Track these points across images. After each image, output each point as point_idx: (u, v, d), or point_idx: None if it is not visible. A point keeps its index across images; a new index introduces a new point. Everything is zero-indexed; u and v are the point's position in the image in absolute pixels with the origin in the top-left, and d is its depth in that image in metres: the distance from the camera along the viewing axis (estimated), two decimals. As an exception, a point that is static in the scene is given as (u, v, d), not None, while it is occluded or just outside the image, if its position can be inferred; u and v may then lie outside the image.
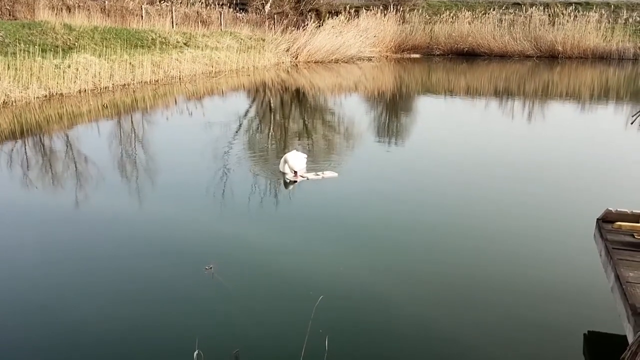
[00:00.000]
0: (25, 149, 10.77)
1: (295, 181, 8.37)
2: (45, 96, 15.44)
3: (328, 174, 8.69)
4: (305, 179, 8.47)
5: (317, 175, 8.62)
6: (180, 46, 23.96)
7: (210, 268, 5.36)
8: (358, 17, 34.36)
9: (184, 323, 4.53)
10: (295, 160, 8.73)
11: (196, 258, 5.65)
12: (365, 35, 32.56)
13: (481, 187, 8.41)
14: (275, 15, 34.77)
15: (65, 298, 4.97)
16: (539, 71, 28.12)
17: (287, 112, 16.23)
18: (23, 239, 6.33)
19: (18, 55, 15.74)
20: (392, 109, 17.45)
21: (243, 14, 34.79)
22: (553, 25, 33.74)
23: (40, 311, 4.72)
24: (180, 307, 4.80)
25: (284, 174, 8.61)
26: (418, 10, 38.28)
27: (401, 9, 37.06)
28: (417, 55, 35.34)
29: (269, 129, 13.44)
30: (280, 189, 8.18)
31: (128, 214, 7.15)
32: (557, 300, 4.99)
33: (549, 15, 34.52)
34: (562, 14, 33.85)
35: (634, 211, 4.84)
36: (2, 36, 17.28)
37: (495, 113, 16.65)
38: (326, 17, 34.78)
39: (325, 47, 29.70)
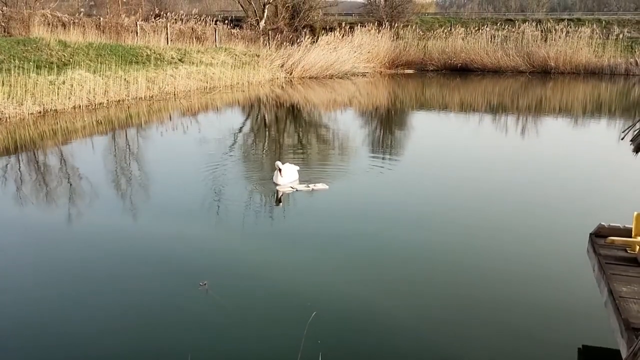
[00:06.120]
0: (19, 165, 10.74)
1: (288, 192, 8.46)
2: (40, 112, 15.44)
3: (319, 186, 8.79)
4: (295, 190, 8.58)
5: (308, 187, 8.71)
6: (175, 62, 24.06)
7: (205, 284, 5.34)
8: (352, 33, 34.59)
9: (177, 339, 4.51)
10: (288, 172, 8.92)
11: (191, 274, 5.64)
12: (359, 51, 32.78)
13: (473, 202, 8.43)
14: (269, 32, 34.98)
15: (60, 313, 4.94)
16: (531, 86, 28.31)
17: (282, 128, 16.27)
18: (17, 254, 6.30)
19: (12, 72, 15.77)
20: (385, 124, 17.52)
21: (237, 30, 34.97)
22: (545, 41, 34.05)
23: (34, 327, 4.69)
24: (174, 323, 4.77)
25: (276, 185, 8.74)
26: (412, 26, 38.57)
27: (395, 25, 37.34)
28: (411, 71, 35.55)
29: (263, 144, 13.47)
30: (273, 204, 8.19)
31: (122, 230, 7.12)
32: (551, 314, 5.00)
33: (541, 31, 34.86)
34: (554, 29, 34.19)
35: (626, 226, 4.87)
36: (-4, 52, 17.33)
37: (489, 129, 16.73)
38: (321, 33, 34.99)
39: (319, 63, 29.86)
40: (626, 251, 4.61)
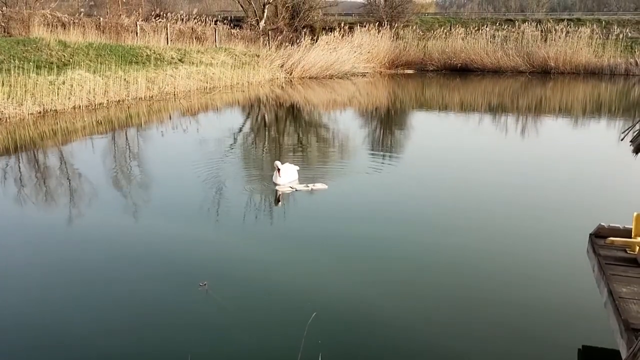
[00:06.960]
0: (19, 165, 10.74)
1: (287, 192, 8.48)
2: (40, 112, 15.43)
3: (319, 186, 8.81)
4: (294, 190, 8.60)
5: (308, 187, 8.72)
6: (175, 62, 24.05)
7: (205, 284, 5.34)
8: (352, 34, 34.59)
9: (177, 339, 4.51)
10: (287, 172, 8.95)
11: (191, 274, 5.64)
12: (359, 52, 32.77)
13: (473, 203, 8.43)
14: (269, 32, 34.97)
15: (60, 313, 4.94)
16: (531, 87, 28.30)
17: (281, 128, 16.27)
18: (17, 254, 6.29)
19: (12, 72, 15.76)
20: (385, 124, 17.52)
21: (237, 30, 34.95)
22: (545, 41, 34.04)
23: (34, 327, 4.69)
24: (174, 323, 4.77)
25: (275, 184, 8.77)
26: (411, 26, 38.58)
27: (395, 25, 37.33)
28: (411, 71, 35.54)
29: (263, 144, 13.47)
30: (272, 204, 8.19)
31: (122, 230, 7.12)
32: (551, 315, 5.00)
33: (541, 31, 34.85)
34: (554, 30, 34.18)
35: (626, 226, 4.87)
36: (-4, 53, 17.32)
37: (489, 129, 16.73)
38: (320, 34, 34.99)
39: (319, 63, 29.85)
40: (626, 252, 4.61)
